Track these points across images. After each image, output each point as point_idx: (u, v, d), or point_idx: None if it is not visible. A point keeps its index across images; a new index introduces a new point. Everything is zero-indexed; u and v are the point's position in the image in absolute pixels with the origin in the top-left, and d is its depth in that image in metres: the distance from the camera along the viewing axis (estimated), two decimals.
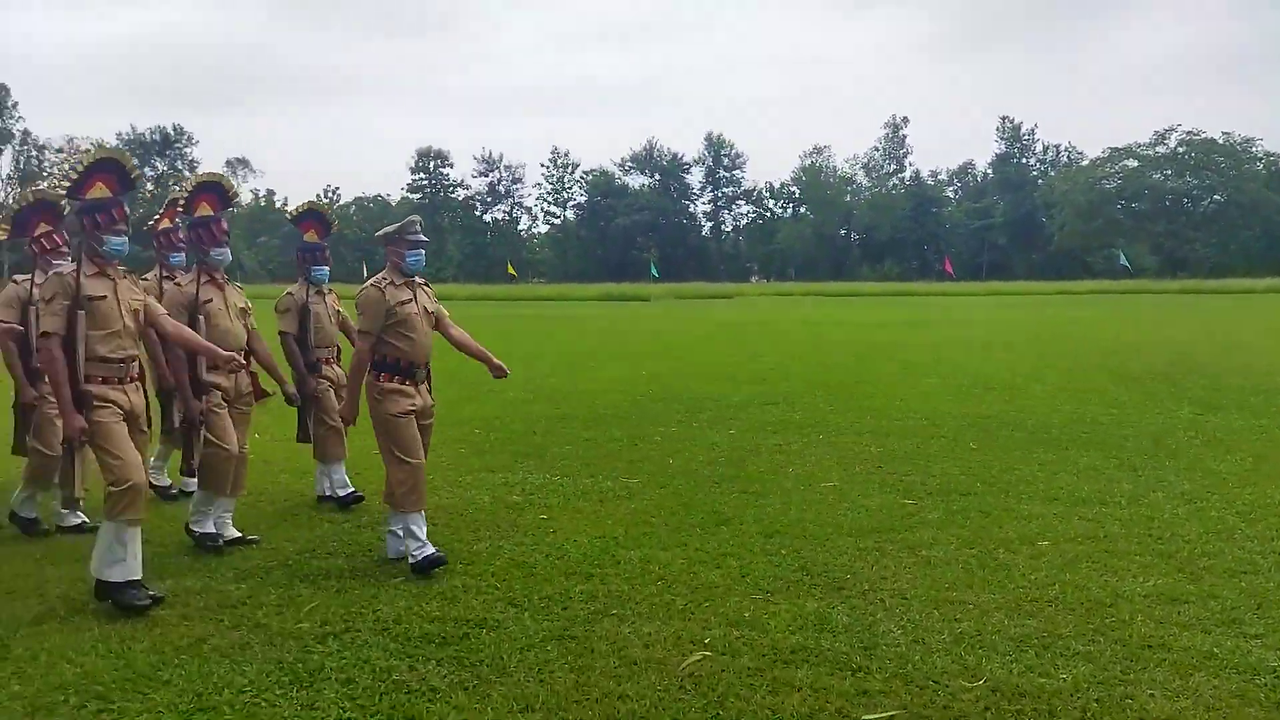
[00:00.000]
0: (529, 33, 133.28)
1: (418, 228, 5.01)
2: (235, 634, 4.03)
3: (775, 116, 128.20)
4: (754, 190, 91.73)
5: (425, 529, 4.86)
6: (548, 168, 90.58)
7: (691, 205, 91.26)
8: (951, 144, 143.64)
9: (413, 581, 4.68)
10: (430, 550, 4.79)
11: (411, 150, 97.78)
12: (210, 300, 5.23)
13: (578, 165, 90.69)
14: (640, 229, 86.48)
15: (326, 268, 6.24)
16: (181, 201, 5.44)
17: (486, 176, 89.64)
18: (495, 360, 5.11)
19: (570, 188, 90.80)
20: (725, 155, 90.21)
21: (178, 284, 5.38)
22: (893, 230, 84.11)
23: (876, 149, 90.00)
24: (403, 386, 4.86)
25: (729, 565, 4.89)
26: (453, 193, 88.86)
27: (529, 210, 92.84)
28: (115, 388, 4.33)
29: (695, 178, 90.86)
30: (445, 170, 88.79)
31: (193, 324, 5.11)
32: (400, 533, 4.96)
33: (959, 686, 3.48)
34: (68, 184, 4.38)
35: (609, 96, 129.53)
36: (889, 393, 11.31)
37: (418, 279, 5.03)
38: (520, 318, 29.42)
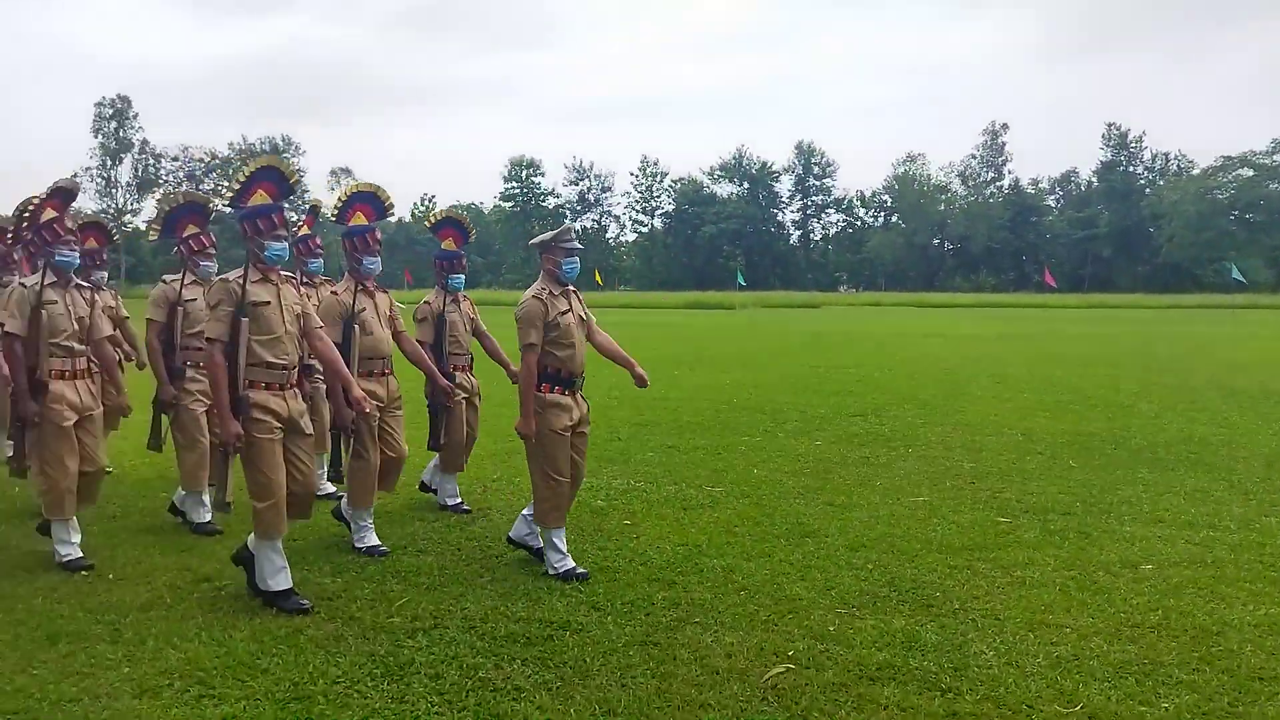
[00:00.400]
0: (625, 44, 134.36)
1: (573, 235, 4.96)
2: (330, 626, 4.16)
3: (868, 124, 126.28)
4: (844, 198, 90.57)
5: (566, 543, 4.90)
6: (637, 176, 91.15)
7: (780, 213, 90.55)
8: (1054, 151, 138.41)
9: (499, 581, 4.76)
10: (570, 564, 4.84)
11: (504, 160, 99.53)
12: (364, 309, 5.34)
13: (666, 174, 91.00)
14: (727, 237, 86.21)
15: (463, 275, 6.20)
16: (335, 211, 5.53)
17: (576, 185, 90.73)
18: (638, 369, 5.03)
19: (659, 196, 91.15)
20: (815, 163, 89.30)
21: (334, 293, 5.43)
22: (989, 240, 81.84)
23: (974, 156, 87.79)
24: (563, 398, 4.83)
25: (813, 578, 4.83)
26: (543, 201, 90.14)
27: (617, 218, 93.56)
28: (275, 394, 4.39)
29: (784, 186, 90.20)
30: (537, 179, 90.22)
31: (347, 331, 5.23)
32: (533, 517, 5.04)
33: (1054, 712, 3.36)
34: (230, 194, 4.50)
35: (700, 106, 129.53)
36: (982, 407, 11.01)
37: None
38: (605, 325, 29.56)
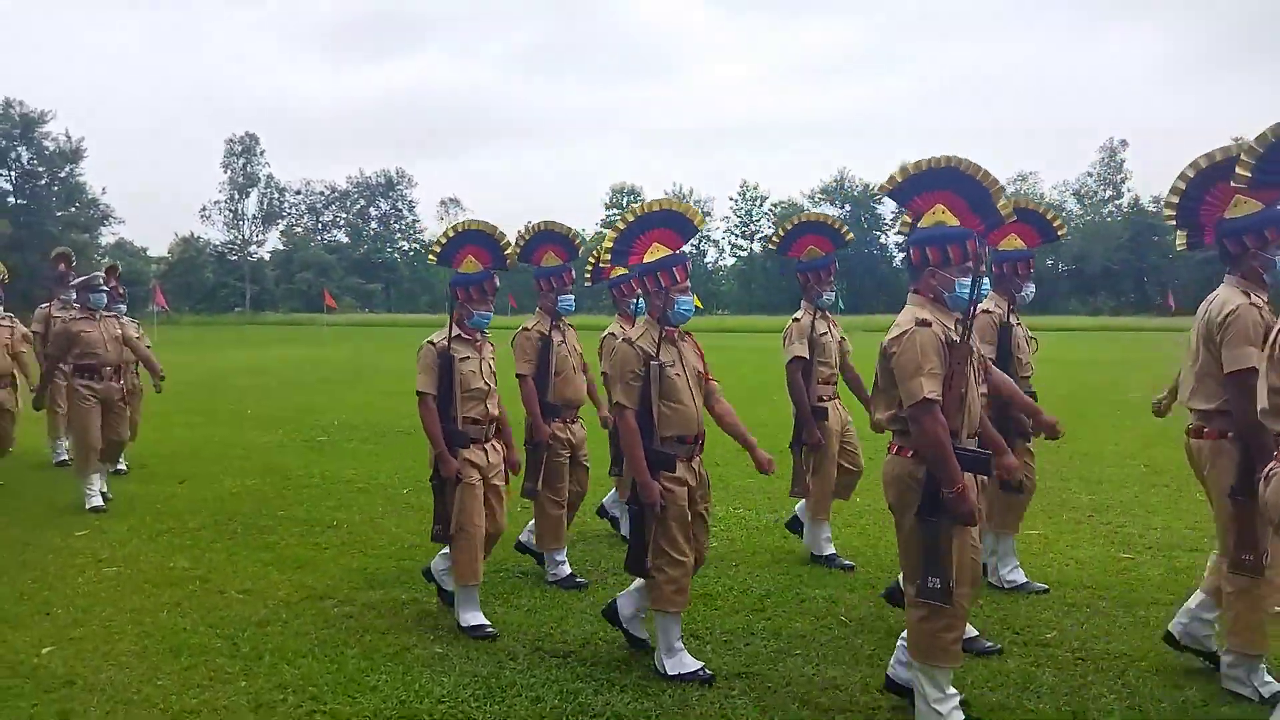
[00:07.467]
0: (733, 75, 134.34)
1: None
2: (436, 646, 4.24)
3: (980, 145, 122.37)
4: None
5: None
6: (736, 201, 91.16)
7: (882, 236, 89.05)
8: (1178, 169, 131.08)
9: (599, 606, 4.76)
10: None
11: (606, 187, 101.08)
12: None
13: (766, 198, 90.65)
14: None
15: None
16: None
17: None
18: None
19: (758, 220, 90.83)
20: None
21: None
22: (1106, 260, 78.53)
23: (1090, 174, 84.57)
24: None
25: None
26: None
27: (716, 243, 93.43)
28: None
29: (887, 208, 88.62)
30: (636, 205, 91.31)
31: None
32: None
33: None
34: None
35: (803, 131, 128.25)
36: (1101, 437, 10.51)
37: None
38: (704, 349, 29.49)
